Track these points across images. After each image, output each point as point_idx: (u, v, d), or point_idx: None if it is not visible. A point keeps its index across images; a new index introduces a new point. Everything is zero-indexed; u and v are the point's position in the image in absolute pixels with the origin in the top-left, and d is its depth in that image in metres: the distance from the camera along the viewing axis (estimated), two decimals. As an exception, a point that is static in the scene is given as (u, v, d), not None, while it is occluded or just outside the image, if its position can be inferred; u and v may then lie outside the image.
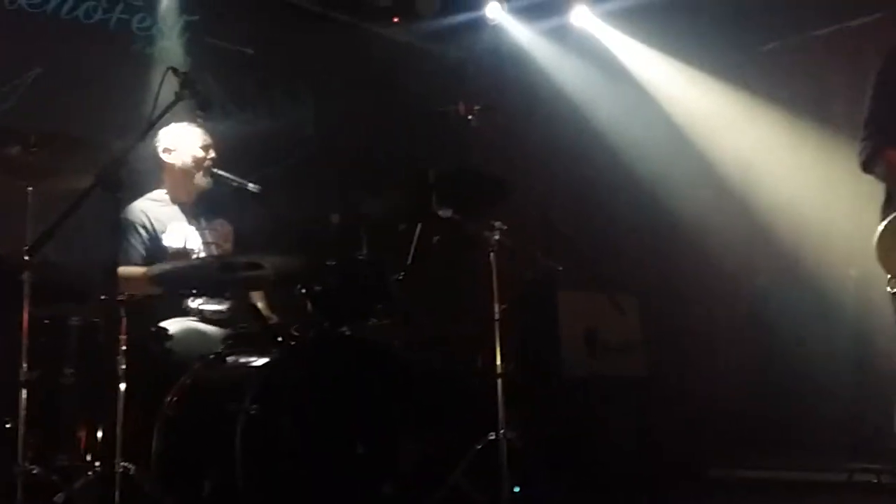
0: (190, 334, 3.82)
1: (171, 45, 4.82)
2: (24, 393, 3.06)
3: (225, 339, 3.69)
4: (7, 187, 3.27)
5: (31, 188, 3.27)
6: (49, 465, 3.22)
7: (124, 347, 3.23)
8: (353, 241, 3.86)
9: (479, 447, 3.81)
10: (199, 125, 4.15)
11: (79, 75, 4.50)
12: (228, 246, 4.24)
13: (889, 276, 3.13)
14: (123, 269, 3.69)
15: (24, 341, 3.09)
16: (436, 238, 4.14)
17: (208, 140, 4.18)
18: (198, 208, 4.20)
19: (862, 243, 3.39)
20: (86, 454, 3.35)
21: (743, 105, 5.52)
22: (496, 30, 5.87)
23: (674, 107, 5.74)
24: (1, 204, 3.43)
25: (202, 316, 3.99)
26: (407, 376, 3.52)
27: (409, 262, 4.03)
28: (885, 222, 3.14)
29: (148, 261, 3.93)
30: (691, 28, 5.57)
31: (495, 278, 3.94)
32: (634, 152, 5.73)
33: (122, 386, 3.19)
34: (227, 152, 4.29)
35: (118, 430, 3.13)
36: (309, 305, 3.63)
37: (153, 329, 3.65)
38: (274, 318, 3.99)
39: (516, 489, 3.79)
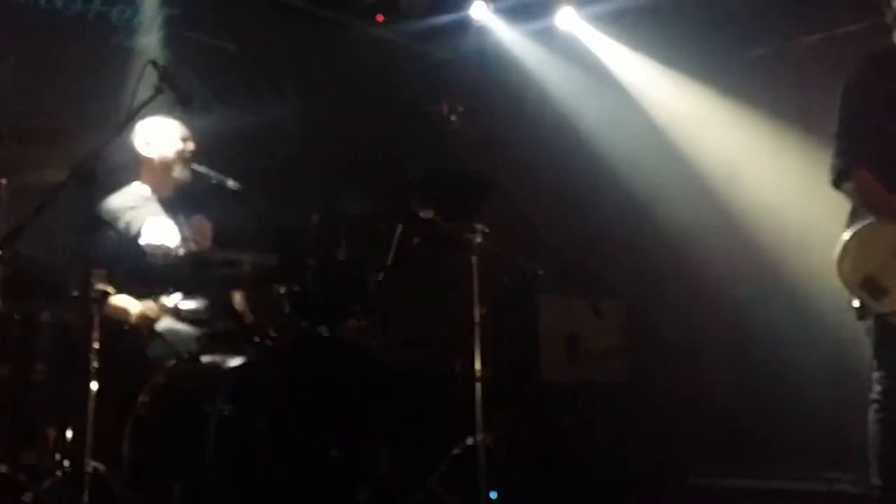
0: (164, 332, 3.76)
1: (150, 39, 4.77)
2: (-8, 389, 3.01)
3: (200, 338, 3.64)
4: (-20, 180, 3.21)
5: (3, 181, 3.22)
6: (17, 463, 3.18)
7: (97, 345, 3.17)
8: (332, 241, 3.82)
9: (457, 452, 3.78)
10: (177, 118, 4.10)
11: (55, 67, 4.44)
12: (207, 242, 4.18)
13: (847, 289, 3.19)
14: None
15: (-6, 336, 3.05)
16: (416, 239, 4.10)
17: (186, 132, 4.14)
18: (177, 203, 4.14)
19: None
20: (55, 453, 3.29)
21: (727, 111, 5.53)
22: (481, 30, 5.85)
23: (658, 111, 5.75)
24: (-27, 197, 3.36)
25: (177, 314, 3.93)
26: (385, 378, 3.48)
27: (389, 263, 3.99)
28: (844, 238, 3.19)
29: (119, 258, 3.86)
30: (677, 33, 5.57)
31: (476, 281, 3.92)
32: (618, 156, 5.73)
33: (94, 384, 3.13)
34: (207, 149, 4.23)
35: (89, 429, 3.08)
36: (287, 305, 3.58)
37: (126, 327, 3.59)
38: (250, 317, 3.93)
39: (493, 495, 3.76)
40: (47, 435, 3.34)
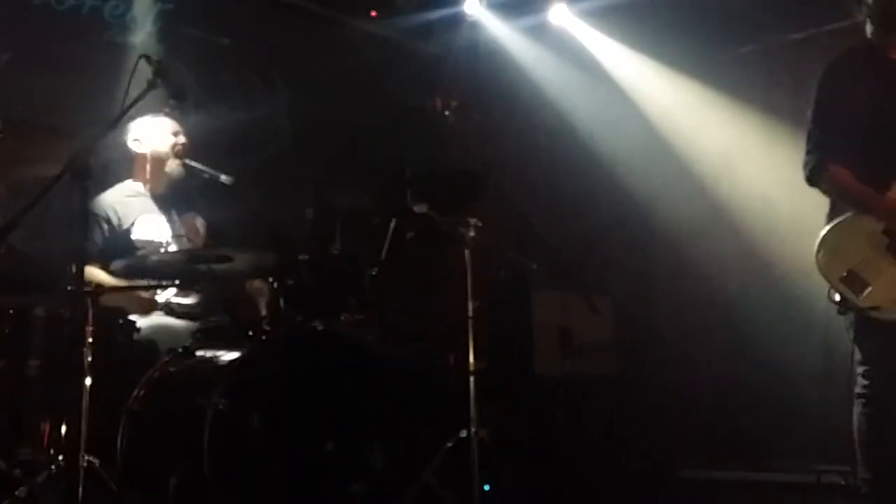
0: (158, 328, 3.77)
1: (144, 34, 4.75)
2: (-14, 384, 3.01)
3: (194, 332, 3.64)
4: (-27, 175, 3.21)
5: (-3, 176, 3.21)
6: (11, 458, 3.18)
7: (91, 339, 3.17)
8: (326, 236, 3.83)
9: (451, 445, 3.80)
10: (168, 114, 4.11)
11: (49, 62, 4.43)
12: (199, 239, 4.18)
13: (829, 284, 3.19)
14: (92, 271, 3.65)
15: (-11, 331, 3.04)
16: (410, 234, 4.11)
17: (178, 127, 4.15)
18: (170, 200, 4.15)
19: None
20: (50, 448, 3.29)
21: (719, 106, 5.55)
22: (474, 26, 5.86)
23: (651, 107, 5.76)
24: (-34, 192, 3.36)
25: (170, 309, 3.94)
26: (379, 372, 3.49)
27: (383, 257, 4.00)
28: (823, 232, 3.23)
29: (108, 254, 3.87)
30: (669, 29, 5.58)
31: (470, 275, 3.93)
32: (611, 151, 5.75)
33: (88, 379, 3.13)
34: (200, 144, 4.24)
35: (83, 423, 3.08)
36: (281, 300, 3.59)
37: (121, 321, 3.60)
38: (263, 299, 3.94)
39: (486, 487, 3.77)
40: (42, 430, 3.34)
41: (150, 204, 4.09)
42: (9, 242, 3.10)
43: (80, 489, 3.03)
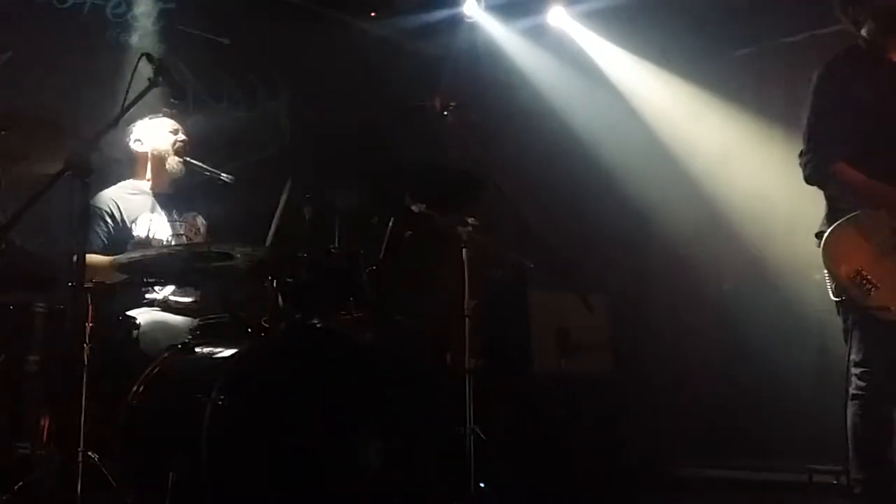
0: (157, 324, 3.79)
1: (145, 33, 4.77)
2: (-14, 379, 3.03)
3: (193, 329, 3.66)
4: (-25, 171, 3.23)
5: (-2, 172, 3.23)
6: (10, 452, 3.19)
7: (90, 335, 3.19)
8: (325, 234, 3.85)
9: (447, 443, 3.81)
10: (168, 113, 4.15)
11: (50, 60, 4.45)
12: (200, 239, 4.21)
13: (833, 283, 3.18)
14: (92, 258, 3.66)
15: (-11, 326, 3.06)
16: (408, 233, 4.13)
17: (177, 125, 4.19)
18: (172, 199, 4.18)
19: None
20: (49, 443, 3.31)
21: (714, 108, 5.59)
22: (473, 27, 5.88)
23: (647, 108, 5.80)
24: (-32, 188, 3.37)
25: (168, 306, 3.96)
26: (376, 370, 3.51)
27: (381, 256, 4.02)
28: (828, 232, 3.21)
29: (110, 250, 3.89)
30: (665, 32, 5.62)
31: (467, 274, 3.95)
32: (608, 153, 5.78)
33: (87, 374, 3.15)
34: (200, 142, 4.26)
35: (82, 419, 3.09)
36: (280, 297, 3.61)
37: (120, 318, 3.62)
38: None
39: (483, 486, 3.79)
40: (41, 424, 3.35)
41: (152, 202, 4.12)
42: (9, 238, 3.12)
43: (79, 484, 3.04)
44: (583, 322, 4.99)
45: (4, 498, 3.03)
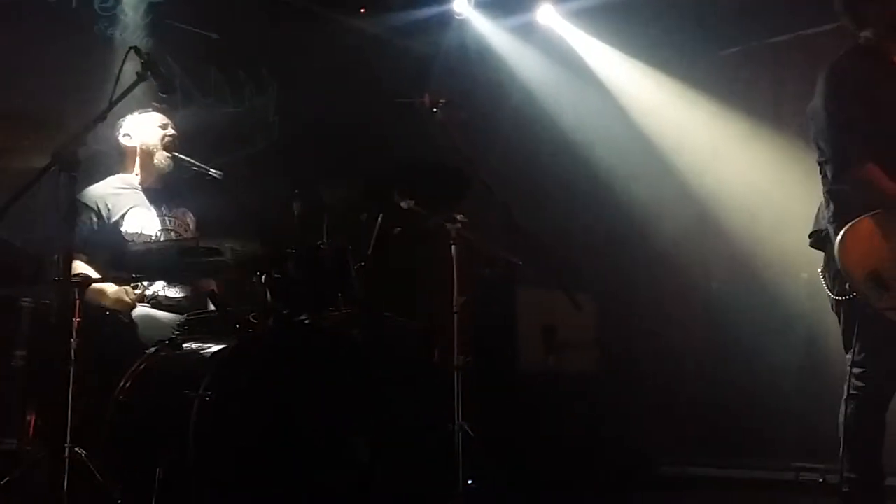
0: (144, 319, 3.77)
1: (133, 27, 4.75)
2: (-28, 374, 3.01)
3: (181, 325, 3.65)
4: (-39, 165, 3.21)
5: (-16, 165, 3.21)
6: (-3, 448, 3.17)
7: (77, 330, 3.17)
8: (314, 230, 3.84)
9: (435, 440, 3.81)
10: (156, 108, 4.13)
11: (38, 53, 4.42)
12: (189, 235, 4.19)
13: (848, 282, 3.12)
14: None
15: (-26, 322, 3.04)
16: (397, 229, 4.13)
17: (166, 119, 4.17)
18: (160, 194, 4.16)
19: (814, 248, 3.44)
20: (35, 438, 3.29)
21: (702, 106, 5.61)
22: (463, 24, 5.89)
23: (636, 106, 5.82)
24: (-45, 181, 3.35)
25: (156, 302, 3.94)
26: (364, 366, 3.50)
27: (370, 252, 4.02)
28: (843, 231, 3.12)
29: (93, 246, 3.87)
30: (654, 30, 5.64)
31: (455, 271, 3.95)
32: (596, 150, 5.80)
33: (74, 370, 3.13)
34: (188, 138, 4.25)
35: (69, 414, 3.08)
36: (268, 293, 3.60)
37: (108, 312, 3.60)
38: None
39: (470, 482, 3.80)
40: (27, 420, 3.34)
41: (141, 197, 4.10)
42: (-4, 232, 3.10)
43: (66, 480, 3.03)
44: (570, 320, 5.00)
45: (-9, 493, 3.02)
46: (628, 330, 5.78)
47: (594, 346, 5.35)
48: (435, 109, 4.03)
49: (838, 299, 3.22)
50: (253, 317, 3.55)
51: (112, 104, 3.26)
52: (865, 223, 3.13)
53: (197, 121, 4.65)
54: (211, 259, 3.60)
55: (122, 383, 3.41)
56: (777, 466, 4.75)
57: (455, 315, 3.93)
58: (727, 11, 5.48)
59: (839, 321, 3.31)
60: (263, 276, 3.59)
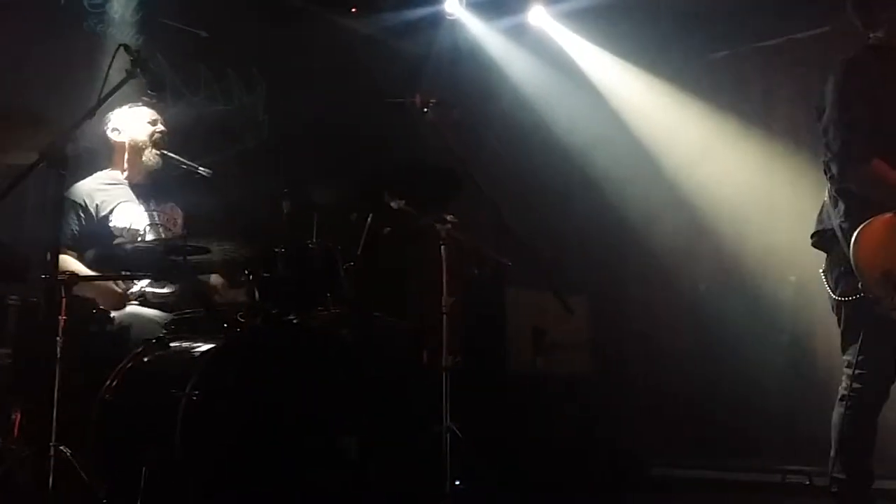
0: (132, 318, 3.75)
1: (123, 24, 4.72)
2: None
3: (168, 323, 3.63)
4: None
5: (-27, 163, 3.19)
6: (-18, 446, 3.15)
7: (63, 329, 3.16)
8: (303, 229, 3.83)
9: (424, 441, 3.81)
10: (146, 103, 4.11)
11: (26, 50, 4.39)
12: (177, 230, 4.18)
13: (859, 282, 3.10)
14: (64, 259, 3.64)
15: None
16: (387, 229, 4.12)
17: (156, 115, 4.15)
18: (149, 190, 4.14)
19: (802, 250, 3.45)
20: (20, 437, 3.27)
21: (692, 110, 5.63)
22: (454, 25, 5.88)
23: (626, 109, 5.83)
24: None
25: (145, 299, 3.92)
26: (353, 366, 3.49)
27: (359, 252, 4.01)
28: (857, 231, 3.09)
29: (82, 242, 3.85)
30: (644, 33, 5.66)
31: (445, 271, 3.95)
32: (587, 152, 5.81)
33: (60, 368, 3.11)
34: (177, 135, 4.23)
35: (54, 412, 3.06)
36: (256, 292, 3.58)
37: (94, 311, 3.58)
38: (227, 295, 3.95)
39: (458, 483, 3.79)
40: (12, 419, 3.32)
41: (129, 193, 4.08)
42: (-18, 230, 3.08)
43: (51, 479, 3.01)
44: (560, 321, 5.00)
45: (-24, 492, 3.00)
46: (618, 331, 5.79)
47: (584, 348, 5.35)
48: (426, 109, 4.02)
49: (840, 300, 3.22)
50: (241, 316, 3.54)
51: (101, 101, 3.23)
52: (880, 223, 3.11)
53: (186, 119, 4.63)
54: (199, 257, 3.59)
55: (108, 382, 3.39)
56: (764, 468, 4.77)
57: (444, 315, 3.92)
58: (717, 15, 5.50)
59: (839, 322, 3.29)
60: (252, 275, 3.57)
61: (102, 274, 3.78)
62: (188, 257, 3.52)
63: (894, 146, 3.17)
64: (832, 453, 3.25)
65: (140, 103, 4.12)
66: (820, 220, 3.34)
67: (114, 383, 3.39)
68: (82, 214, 3.95)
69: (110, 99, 3.26)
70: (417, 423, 3.90)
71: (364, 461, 3.41)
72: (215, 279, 4.10)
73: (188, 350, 3.40)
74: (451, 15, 5.81)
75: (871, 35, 3.34)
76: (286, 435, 3.25)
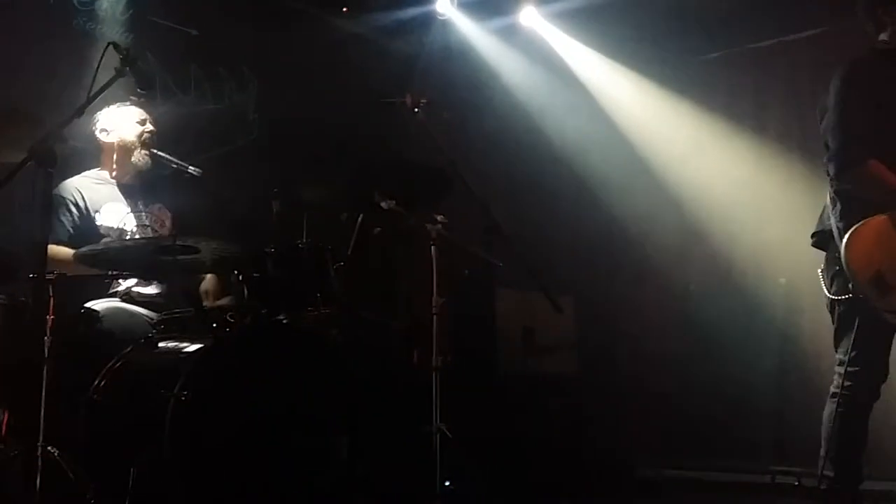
0: (120, 317, 3.74)
1: (112, 22, 4.70)
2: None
3: (157, 323, 3.62)
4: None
5: (-40, 162, 3.16)
6: (-31, 446, 3.13)
7: (51, 328, 3.14)
8: (293, 229, 3.82)
9: (413, 440, 3.81)
10: (134, 103, 4.09)
11: (16, 48, 4.37)
12: (165, 231, 4.16)
13: (849, 282, 3.13)
14: (55, 250, 3.61)
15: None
16: (377, 229, 4.12)
17: (145, 115, 4.13)
18: (137, 190, 4.13)
19: (792, 252, 3.46)
20: (7, 437, 3.25)
21: (682, 112, 5.64)
22: (445, 25, 5.88)
23: (617, 109, 5.84)
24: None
25: (131, 298, 3.91)
26: (342, 366, 3.49)
27: (350, 252, 4.01)
28: (850, 232, 3.13)
29: (76, 239, 3.83)
30: (636, 34, 5.66)
31: (435, 272, 3.94)
32: (577, 153, 5.81)
33: (48, 368, 3.10)
34: (167, 134, 4.22)
35: (42, 412, 3.04)
36: (245, 292, 3.57)
37: (82, 310, 3.57)
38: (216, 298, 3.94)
39: (448, 483, 3.79)
40: (0, 418, 3.30)
41: (117, 192, 4.07)
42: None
43: (38, 479, 2.99)
44: (549, 321, 5.01)
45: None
46: (607, 332, 5.80)
47: (573, 348, 5.35)
48: (416, 109, 4.02)
49: (835, 299, 3.24)
50: (230, 316, 3.52)
51: (90, 100, 3.21)
52: (873, 224, 3.14)
53: (176, 117, 4.62)
54: (188, 257, 3.58)
55: (97, 382, 3.37)
56: (753, 469, 4.79)
57: (434, 316, 3.92)
58: (709, 16, 5.51)
59: (833, 320, 3.32)
60: (241, 275, 3.56)
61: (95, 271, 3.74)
62: (178, 257, 3.51)
63: (892, 149, 3.19)
64: (822, 451, 3.27)
65: (129, 102, 4.10)
66: (821, 220, 3.37)
67: (102, 383, 3.37)
68: (74, 211, 3.94)
69: (99, 98, 3.24)
70: (407, 423, 3.90)
71: (354, 461, 3.41)
72: (206, 283, 4.08)
73: (177, 350, 3.39)
74: (442, 15, 5.81)
75: (879, 37, 3.35)
76: (276, 435, 3.25)
